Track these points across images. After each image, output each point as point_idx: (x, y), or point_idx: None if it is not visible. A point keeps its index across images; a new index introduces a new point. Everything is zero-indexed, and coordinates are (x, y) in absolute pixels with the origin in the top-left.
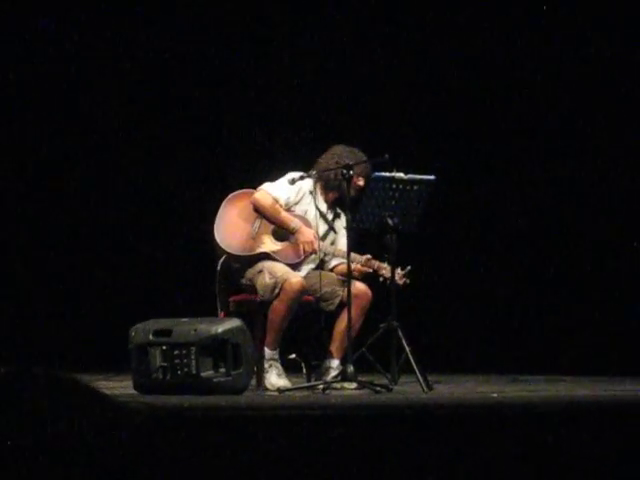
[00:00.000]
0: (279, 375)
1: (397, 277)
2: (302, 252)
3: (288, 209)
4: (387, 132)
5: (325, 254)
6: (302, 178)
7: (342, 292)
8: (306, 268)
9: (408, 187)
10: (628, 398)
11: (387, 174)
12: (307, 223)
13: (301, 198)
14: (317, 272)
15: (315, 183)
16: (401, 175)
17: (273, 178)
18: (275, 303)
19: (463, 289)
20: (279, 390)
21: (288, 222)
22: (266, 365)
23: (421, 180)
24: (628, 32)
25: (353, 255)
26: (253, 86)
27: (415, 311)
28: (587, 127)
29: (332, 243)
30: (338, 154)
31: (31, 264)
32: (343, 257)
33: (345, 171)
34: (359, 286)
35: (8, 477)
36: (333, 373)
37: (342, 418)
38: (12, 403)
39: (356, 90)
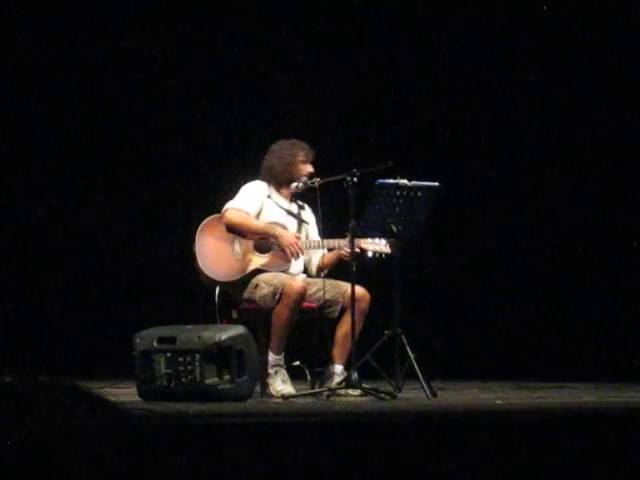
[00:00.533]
0: (284, 381)
1: (386, 248)
2: (290, 256)
3: (260, 217)
4: (391, 139)
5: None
6: (257, 185)
7: (342, 298)
8: (296, 268)
9: (412, 194)
10: (634, 404)
11: (391, 181)
12: (282, 227)
13: (262, 204)
14: (320, 280)
15: (268, 185)
16: (405, 182)
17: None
18: (278, 308)
19: (467, 296)
20: (283, 397)
21: (267, 230)
22: (271, 371)
23: (425, 187)
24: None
25: (332, 241)
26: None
27: (419, 318)
28: (589, 129)
29: (306, 236)
30: (277, 149)
31: (35, 272)
32: (319, 247)
33: (290, 159)
34: (358, 289)
35: None
36: (337, 379)
37: (346, 425)
38: (18, 412)
39: (358, 98)
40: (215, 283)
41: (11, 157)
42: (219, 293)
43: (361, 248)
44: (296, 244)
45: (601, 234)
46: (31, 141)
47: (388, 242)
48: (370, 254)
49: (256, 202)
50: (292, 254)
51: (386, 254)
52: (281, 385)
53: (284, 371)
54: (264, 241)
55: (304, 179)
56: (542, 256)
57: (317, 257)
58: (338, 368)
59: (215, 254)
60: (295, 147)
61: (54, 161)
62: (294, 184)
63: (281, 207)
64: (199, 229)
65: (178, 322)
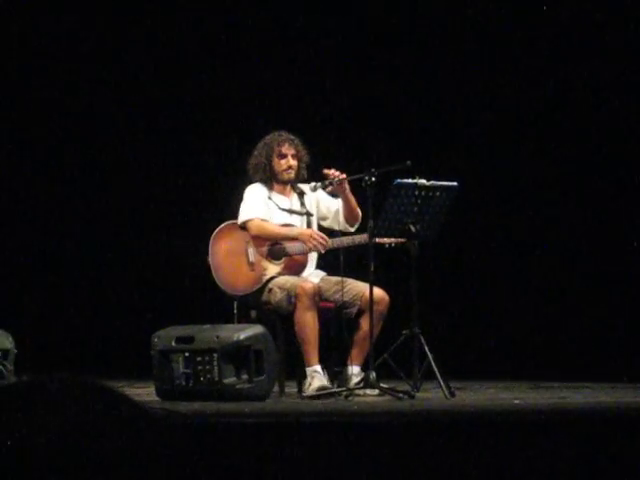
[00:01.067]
0: (321, 380)
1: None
2: (311, 248)
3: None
4: (409, 138)
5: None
6: (257, 189)
7: (360, 301)
8: (310, 269)
9: (430, 194)
10: None
11: (410, 181)
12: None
13: (268, 207)
14: (338, 279)
15: (264, 186)
16: (423, 182)
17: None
18: (297, 315)
19: (485, 295)
20: (301, 397)
21: (288, 233)
22: (309, 380)
23: (444, 187)
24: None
25: (350, 238)
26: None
27: (437, 318)
28: (598, 129)
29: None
30: (258, 147)
31: (54, 272)
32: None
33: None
34: (377, 292)
35: None
36: (355, 380)
37: (364, 425)
38: (37, 410)
39: (376, 96)
40: (233, 295)
41: (17, 154)
42: (238, 306)
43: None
44: (317, 238)
45: (619, 231)
46: (41, 142)
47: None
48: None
49: (265, 206)
50: (316, 247)
51: (398, 245)
52: (319, 382)
53: (320, 374)
54: (278, 247)
55: (324, 182)
56: (560, 255)
57: (338, 216)
58: (356, 369)
59: (230, 267)
60: (271, 142)
61: (70, 160)
62: (312, 184)
63: (282, 209)
64: (212, 239)
65: (196, 322)
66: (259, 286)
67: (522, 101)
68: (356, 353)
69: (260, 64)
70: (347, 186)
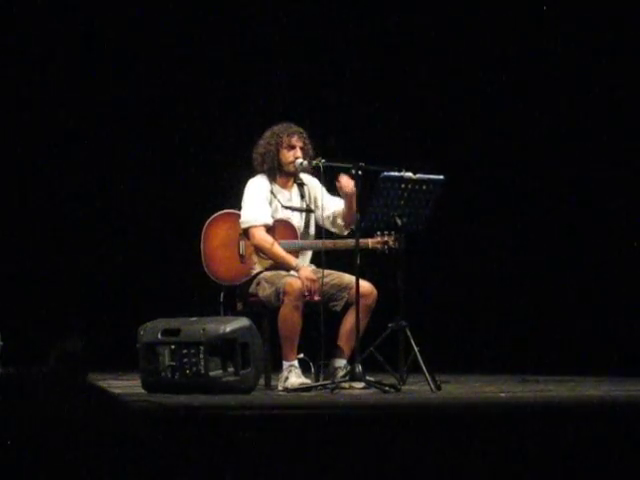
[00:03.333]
0: (298, 376)
1: (391, 242)
2: (304, 289)
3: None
4: (396, 131)
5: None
6: (259, 183)
7: (348, 293)
8: (302, 262)
9: (417, 187)
10: (637, 399)
11: (396, 174)
12: (286, 227)
13: (270, 203)
14: (327, 272)
15: (267, 178)
16: (410, 175)
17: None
18: (282, 310)
19: (471, 289)
20: (287, 390)
21: (289, 261)
22: (285, 373)
23: (430, 180)
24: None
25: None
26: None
27: (423, 311)
28: (590, 125)
29: (314, 221)
30: (265, 137)
31: (39, 263)
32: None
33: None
34: (364, 285)
35: (16, 477)
36: (341, 373)
37: (350, 418)
38: (20, 402)
39: (363, 90)
40: (220, 286)
41: (10, 146)
42: (224, 296)
43: (368, 247)
44: (311, 284)
45: (605, 227)
46: (32, 135)
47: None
48: (377, 243)
49: (267, 204)
50: (306, 288)
51: (386, 246)
52: (296, 379)
53: (298, 369)
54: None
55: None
56: (546, 249)
57: (337, 217)
58: (342, 362)
59: (220, 256)
60: (279, 132)
61: (63, 154)
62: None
63: (284, 206)
64: (204, 229)
65: (183, 314)
66: (247, 279)
67: (510, 92)
68: (342, 346)
69: (252, 57)
70: (354, 191)
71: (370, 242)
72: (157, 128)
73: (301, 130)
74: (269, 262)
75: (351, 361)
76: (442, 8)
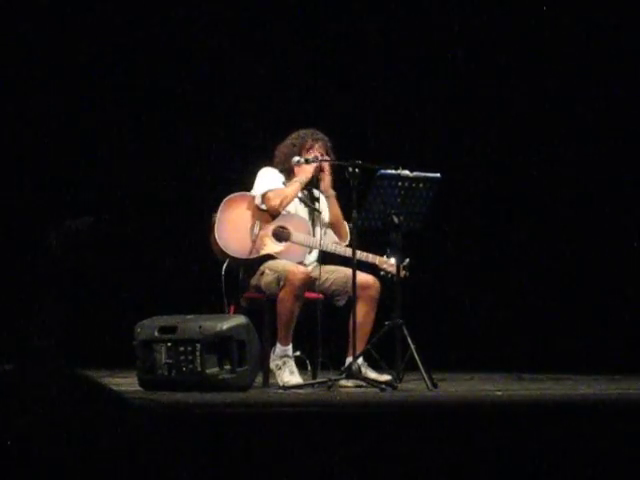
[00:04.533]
0: (292, 372)
1: (393, 268)
2: (318, 170)
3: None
4: (393, 129)
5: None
6: (271, 171)
7: (349, 287)
8: (310, 260)
9: (414, 185)
10: (633, 397)
11: (393, 172)
12: (300, 221)
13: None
14: (331, 268)
15: (280, 173)
16: (407, 173)
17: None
18: (281, 295)
19: (468, 287)
20: (284, 387)
21: (298, 184)
22: (279, 362)
23: (427, 178)
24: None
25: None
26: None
27: (420, 309)
28: (585, 117)
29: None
30: (296, 136)
31: (36, 260)
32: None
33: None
34: (366, 277)
35: (19, 474)
36: (364, 370)
37: (347, 415)
38: (20, 399)
39: (361, 88)
40: (225, 256)
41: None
42: (226, 268)
43: (377, 265)
44: (315, 168)
45: (601, 226)
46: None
47: (403, 266)
48: (382, 273)
49: (279, 184)
50: (322, 169)
51: (389, 274)
52: (289, 376)
53: (292, 362)
54: (284, 231)
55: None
56: (542, 248)
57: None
58: (360, 360)
59: (233, 228)
60: (305, 136)
61: (62, 142)
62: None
63: (297, 197)
64: (224, 201)
65: (180, 312)
66: (252, 256)
67: (507, 93)
68: (358, 342)
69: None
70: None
71: (378, 260)
72: (159, 122)
73: (326, 138)
74: (280, 248)
75: (363, 357)
76: (439, 9)
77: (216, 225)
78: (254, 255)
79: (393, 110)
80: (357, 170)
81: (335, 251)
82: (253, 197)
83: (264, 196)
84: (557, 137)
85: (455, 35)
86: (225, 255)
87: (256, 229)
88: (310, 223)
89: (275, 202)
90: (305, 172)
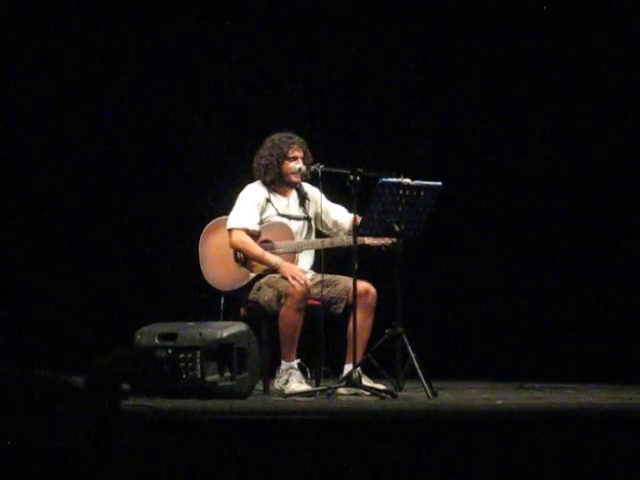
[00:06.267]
0: (300, 382)
1: (388, 243)
2: (293, 283)
3: (262, 222)
4: (394, 138)
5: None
6: (254, 191)
7: (347, 295)
8: (304, 266)
9: (415, 193)
10: (633, 406)
11: (394, 180)
12: (288, 231)
13: (263, 210)
14: (326, 276)
15: (265, 186)
16: (408, 181)
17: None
18: (283, 311)
19: (468, 296)
20: (284, 395)
21: (269, 260)
22: (285, 376)
23: (428, 186)
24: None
25: (333, 240)
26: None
27: (420, 317)
28: (584, 124)
29: (314, 230)
30: (267, 147)
31: (34, 266)
32: (319, 246)
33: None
34: (363, 285)
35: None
36: (364, 378)
37: (347, 423)
38: (12, 404)
39: (363, 96)
40: (219, 291)
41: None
42: (224, 301)
43: (365, 244)
44: (297, 274)
45: (602, 234)
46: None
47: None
48: (375, 242)
49: (256, 211)
50: (294, 283)
51: (384, 247)
52: (297, 385)
53: (298, 372)
54: (267, 245)
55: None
56: (544, 257)
57: (341, 226)
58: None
59: (218, 263)
60: (281, 144)
61: (62, 158)
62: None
63: (281, 214)
64: (202, 235)
65: (183, 319)
66: (246, 282)
67: (507, 97)
68: (358, 350)
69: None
70: None
71: (366, 240)
72: (156, 134)
73: (301, 140)
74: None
75: (361, 365)
76: (436, 14)
77: (201, 265)
78: (246, 281)
79: (394, 118)
80: (358, 178)
81: (331, 245)
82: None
83: (230, 232)
84: (556, 147)
85: (457, 42)
86: (219, 290)
87: (239, 254)
88: (302, 231)
89: (236, 244)
90: (285, 268)
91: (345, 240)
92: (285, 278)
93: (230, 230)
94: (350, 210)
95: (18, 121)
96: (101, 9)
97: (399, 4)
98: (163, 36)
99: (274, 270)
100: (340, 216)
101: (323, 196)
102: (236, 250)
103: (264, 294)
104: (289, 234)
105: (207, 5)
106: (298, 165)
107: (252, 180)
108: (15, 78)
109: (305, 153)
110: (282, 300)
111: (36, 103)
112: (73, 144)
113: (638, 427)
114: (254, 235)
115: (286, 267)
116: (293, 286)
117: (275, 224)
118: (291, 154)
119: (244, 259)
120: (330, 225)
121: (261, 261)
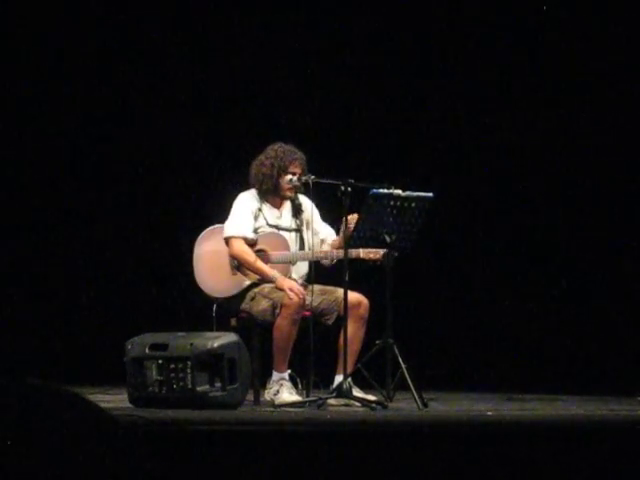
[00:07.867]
0: (291, 393)
1: (377, 255)
2: (290, 296)
3: (255, 232)
4: (385, 149)
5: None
6: (248, 200)
7: (338, 307)
8: (298, 275)
9: (406, 204)
10: (622, 417)
11: (385, 191)
12: (283, 242)
13: (257, 219)
14: (318, 287)
15: (258, 194)
16: (399, 192)
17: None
18: (278, 321)
19: (459, 307)
20: (275, 405)
21: (267, 273)
22: (276, 387)
23: (419, 197)
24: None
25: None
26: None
27: (411, 328)
28: (580, 124)
29: (305, 241)
30: (272, 156)
31: (27, 276)
32: (310, 258)
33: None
34: (355, 296)
35: None
36: (354, 390)
37: (337, 434)
38: (6, 414)
39: (354, 106)
40: (213, 299)
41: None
42: (216, 309)
43: (356, 258)
44: (295, 288)
45: (595, 248)
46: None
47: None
48: (371, 256)
49: (251, 220)
50: (291, 295)
51: (378, 262)
52: (289, 396)
53: (289, 383)
54: (262, 254)
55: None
56: (535, 268)
57: (326, 245)
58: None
59: (212, 270)
60: (283, 158)
61: (56, 167)
62: (288, 176)
63: (270, 225)
64: (196, 243)
65: (174, 329)
66: (239, 290)
67: (499, 107)
68: (348, 361)
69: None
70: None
71: (362, 252)
72: (148, 142)
73: (303, 157)
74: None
75: (352, 375)
76: (432, 20)
77: (194, 271)
78: (239, 289)
79: (385, 129)
80: (349, 189)
81: (324, 256)
82: (223, 229)
83: (228, 240)
84: (550, 160)
85: (448, 51)
86: (212, 299)
87: (233, 262)
88: (295, 243)
89: (237, 254)
90: (281, 281)
91: (341, 252)
92: (281, 290)
93: (228, 239)
94: (340, 222)
95: (18, 121)
96: (100, 9)
97: (389, 14)
98: (161, 42)
99: (269, 280)
100: (328, 237)
101: (316, 212)
102: (235, 259)
103: (258, 304)
104: (284, 245)
105: (207, 5)
106: (289, 176)
107: (244, 188)
108: (15, 78)
109: (303, 171)
110: (277, 311)
111: (35, 103)
112: (64, 150)
113: (627, 437)
114: (251, 244)
115: (279, 282)
116: (289, 297)
117: (270, 234)
118: (291, 169)
119: (238, 266)
120: (317, 240)
121: (259, 273)
